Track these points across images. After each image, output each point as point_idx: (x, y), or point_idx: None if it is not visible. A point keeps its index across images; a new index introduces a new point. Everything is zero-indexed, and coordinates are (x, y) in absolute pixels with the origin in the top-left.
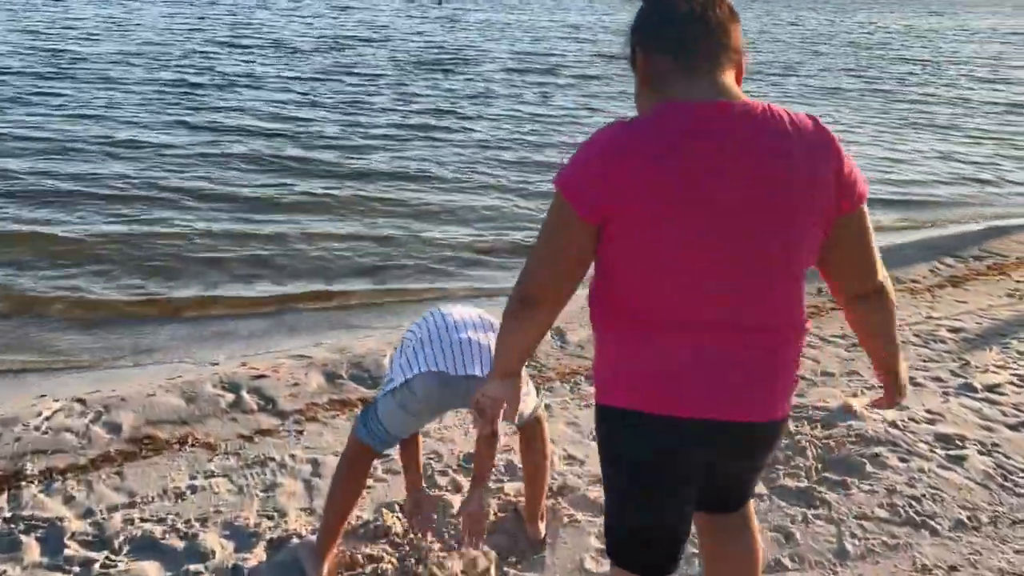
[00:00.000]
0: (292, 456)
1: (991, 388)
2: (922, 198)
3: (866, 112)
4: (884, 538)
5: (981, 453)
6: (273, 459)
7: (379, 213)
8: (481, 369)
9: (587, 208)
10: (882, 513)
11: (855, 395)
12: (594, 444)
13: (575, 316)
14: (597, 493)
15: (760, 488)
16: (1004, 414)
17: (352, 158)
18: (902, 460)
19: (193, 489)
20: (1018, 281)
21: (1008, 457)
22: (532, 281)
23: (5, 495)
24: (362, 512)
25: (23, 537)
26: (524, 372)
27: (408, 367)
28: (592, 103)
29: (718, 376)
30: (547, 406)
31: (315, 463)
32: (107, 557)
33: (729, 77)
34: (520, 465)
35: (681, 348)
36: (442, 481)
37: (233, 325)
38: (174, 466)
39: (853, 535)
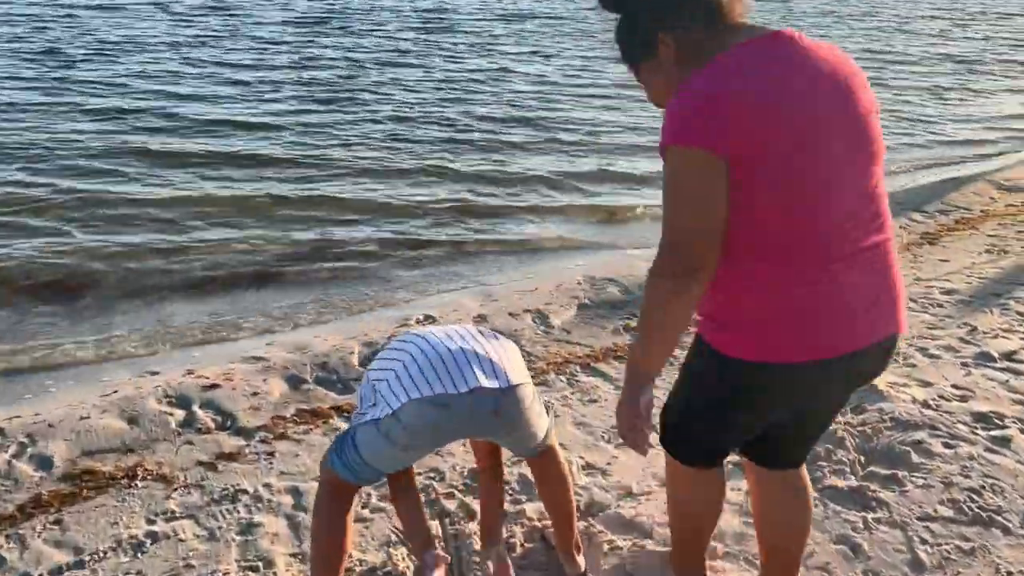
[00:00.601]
0: (267, 486)
1: (1009, 356)
2: None
3: None
4: (957, 542)
5: None
6: (245, 491)
7: (288, 209)
8: (486, 378)
9: (714, 142)
10: (946, 512)
11: None
12: (610, 447)
13: (554, 297)
14: (633, 511)
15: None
16: None
17: (250, 141)
18: (947, 446)
19: (154, 537)
20: (990, 236)
21: None
22: (688, 247)
23: None
24: (365, 554)
25: None
26: (532, 384)
27: (393, 395)
28: (505, 63)
29: (853, 306)
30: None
31: (296, 493)
32: None
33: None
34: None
35: (813, 285)
36: (450, 505)
37: (163, 327)
38: (126, 508)
39: (923, 541)
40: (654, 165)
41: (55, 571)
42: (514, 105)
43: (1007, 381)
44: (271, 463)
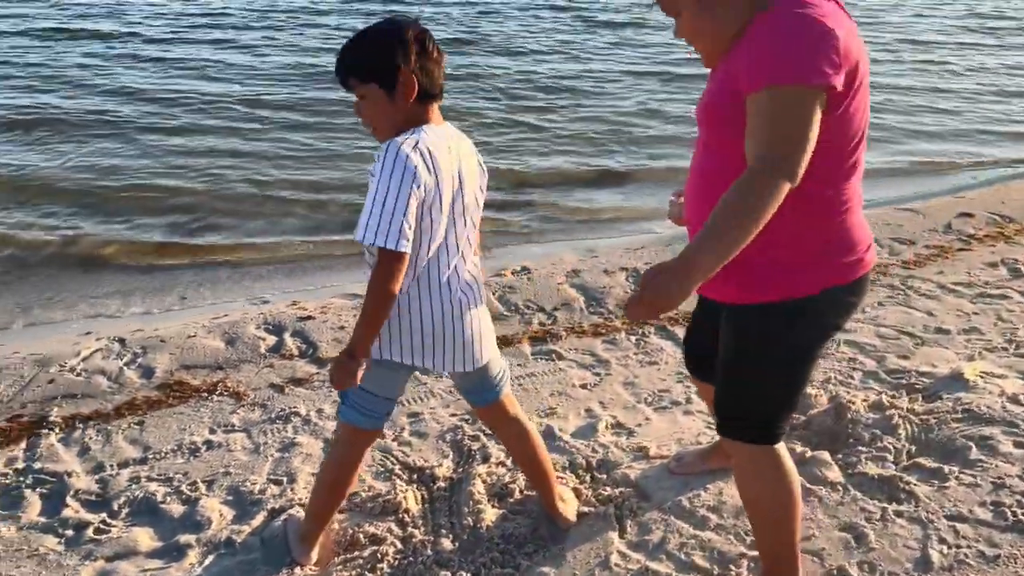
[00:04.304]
0: (319, 411)
1: None
2: None
3: None
4: (981, 547)
5: None
6: (298, 414)
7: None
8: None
9: (834, 79)
10: (983, 514)
11: (971, 358)
12: (648, 409)
13: (658, 256)
14: (640, 471)
15: (835, 475)
16: None
17: None
18: (1018, 446)
19: (209, 445)
20: None
21: None
22: (800, 162)
23: (24, 443)
24: (376, 482)
25: (28, 492)
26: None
27: (410, 352)
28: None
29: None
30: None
31: None
32: (103, 521)
33: None
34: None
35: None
36: (474, 446)
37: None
38: (196, 417)
39: (942, 540)
40: None
41: (123, 463)
42: None
43: None
44: (329, 390)
